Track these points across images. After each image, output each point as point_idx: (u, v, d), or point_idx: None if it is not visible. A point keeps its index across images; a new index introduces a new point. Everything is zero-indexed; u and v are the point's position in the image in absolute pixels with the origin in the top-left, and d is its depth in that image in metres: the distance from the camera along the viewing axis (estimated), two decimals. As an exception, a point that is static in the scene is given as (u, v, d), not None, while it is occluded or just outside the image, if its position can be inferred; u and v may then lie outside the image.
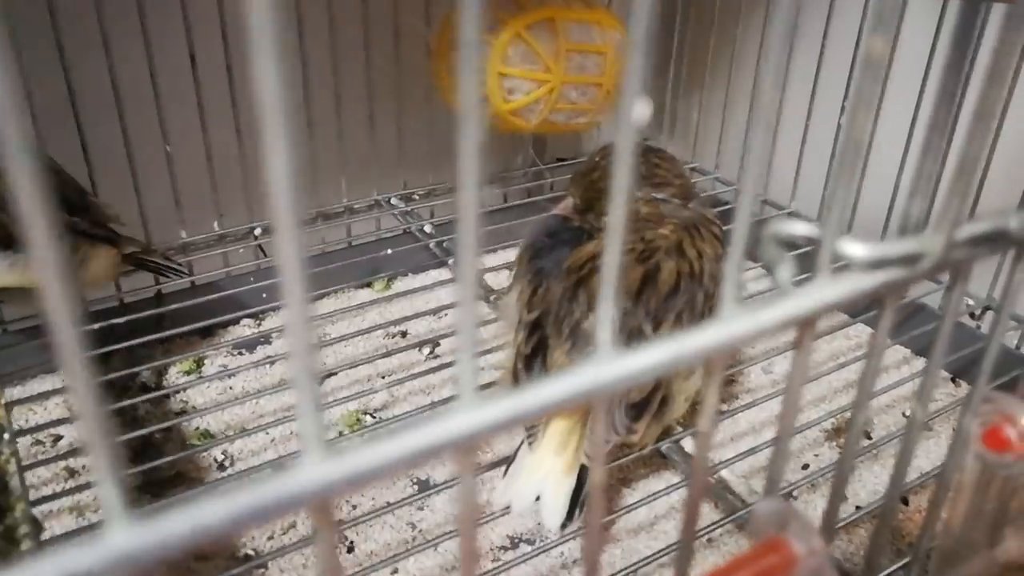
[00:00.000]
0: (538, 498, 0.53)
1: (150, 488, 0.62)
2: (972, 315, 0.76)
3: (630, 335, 0.54)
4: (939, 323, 0.26)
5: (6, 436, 0.49)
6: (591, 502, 0.21)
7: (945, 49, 0.20)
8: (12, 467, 0.48)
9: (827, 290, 0.18)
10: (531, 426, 0.55)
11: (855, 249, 0.19)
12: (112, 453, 0.14)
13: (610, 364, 0.17)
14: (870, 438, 0.69)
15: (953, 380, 0.77)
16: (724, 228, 0.64)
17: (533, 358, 0.55)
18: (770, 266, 0.18)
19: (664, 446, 0.62)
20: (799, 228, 0.19)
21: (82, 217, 0.63)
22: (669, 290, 0.54)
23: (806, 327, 0.19)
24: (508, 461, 0.57)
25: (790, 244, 0.19)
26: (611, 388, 0.17)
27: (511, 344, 0.58)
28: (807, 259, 0.20)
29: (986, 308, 0.76)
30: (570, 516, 0.53)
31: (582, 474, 0.54)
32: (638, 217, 0.60)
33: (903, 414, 0.73)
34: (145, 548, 0.13)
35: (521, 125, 0.80)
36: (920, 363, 0.79)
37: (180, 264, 0.71)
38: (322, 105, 0.79)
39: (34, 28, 0.65)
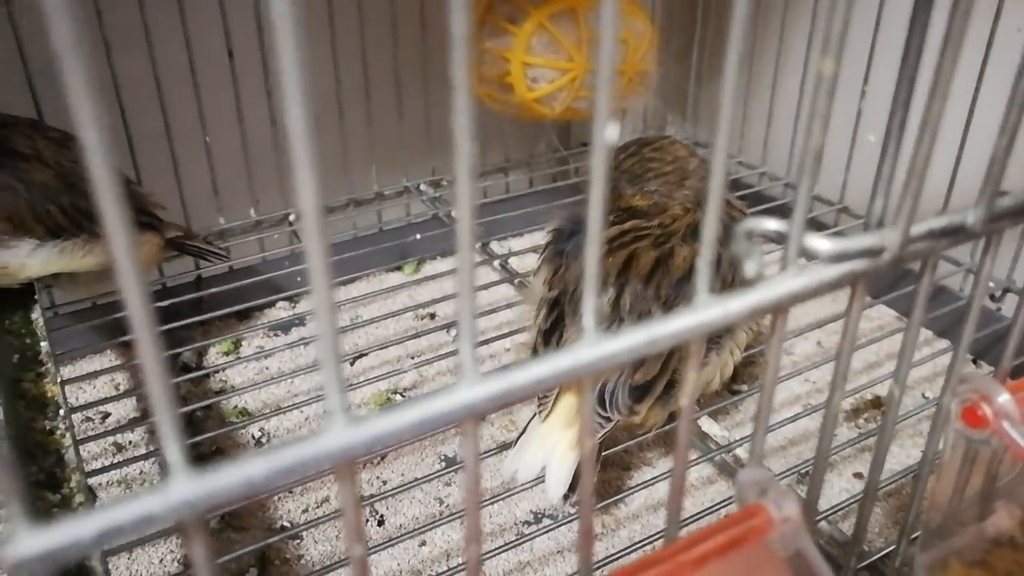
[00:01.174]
0: (544, 469, 0.56)
1: (193, 463, 0.66)
2: (992, 296, 0.77)
3: (639, 317, 0.56)
4: (962, 305, 0.28)
5: (61, 412, 0.53)
6: (583, 472, 0.23)
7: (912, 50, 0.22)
8: (67, 441, 0.51)
9: (793, 281, 0.21)
10: (542, 400, 0.57)
11: (819, 244, 0.21)
12: (175, 416, 0.16)
13: (593, 347, 0.20)
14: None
15: (974, 361, 0.78)
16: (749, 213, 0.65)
17: (551, 334, 0.57)
18: (741, 259, 0.20)
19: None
20: (770, 224, 0.21)
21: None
22: (682, 275, 0.56)
23: (778, 314, 0.21)
24: (519, 433, 0.59)
25: (765, 238, 0.21)
26: (594, 368, 0.20)
27: (534, 322, 0.61)
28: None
29: (1006, 290, 0.77)
30: (572, 489, 0.55)
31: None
32: (636, 212, 0.63)
33: (923, 395, 0.74)
34: (201, 497, 0.16)
35: (545, 113, 0.82)
36: (941, 344, 0.80)
37: (220, 248, 0.75)
38: (352, 94, 0.82)
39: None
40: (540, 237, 0.90)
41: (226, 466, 0.17)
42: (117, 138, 0.71)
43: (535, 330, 0.60)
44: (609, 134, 0.17)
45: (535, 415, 0.58)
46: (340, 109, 0.81)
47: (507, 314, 0.81)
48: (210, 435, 0.66)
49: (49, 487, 0.48)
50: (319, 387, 0.75)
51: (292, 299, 0.85)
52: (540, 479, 0.56)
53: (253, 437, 0.70)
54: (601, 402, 0.55)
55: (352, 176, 0.86)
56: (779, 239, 0.21)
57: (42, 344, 0.59)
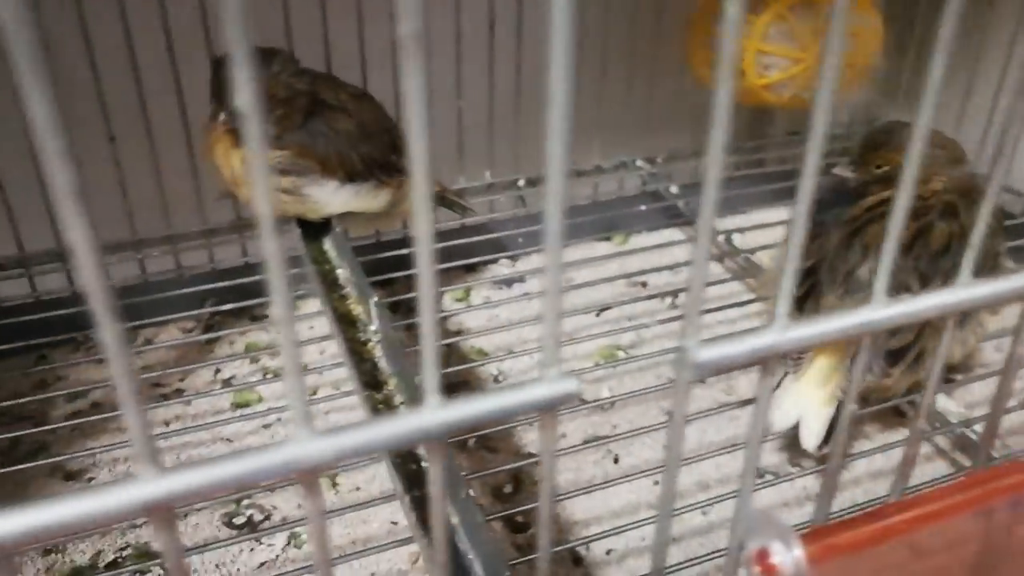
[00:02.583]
0: (798, 422, 0.61)
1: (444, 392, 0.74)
2: None
3: (896, 289, 0.60)
4: None
5: (371, 328, 0.61)
6: (840, 426, 0.28)
7: None
8: (378, 352, 0.59)
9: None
10: (797, 360, 0.62)
11: None
12: (436, 350, 0.21)
13: (883, 308, 0.24)
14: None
15: None
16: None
17: (804, 301, 0.62)
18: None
19: (918, 397, 0.67)
20: None
21: (403, 157, 0.75)
22: (939, 249, 0.60)
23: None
24: (772, 388, 0.64)
25: None
26: (880, 327, 0.24)
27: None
28: None
29: None
30: (826, 441, 0.60)
31: (839, 408, 0.60)
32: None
33: None
34: (451, 421, 0.22)
35: (771, 99, 0.86)
36: None
37: (469, 204, 0.82)
38: (589, 72, 0.88)
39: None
40: (763, 216, 0.95)
41: (466, 398, 0.22)
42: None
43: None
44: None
45: (786, 373, 0.63)
46: (577, 84, 0.87)
47: (716, 290, 0.85)
48: (456, 368, 0.74)
49: (373, 387, 0.56)
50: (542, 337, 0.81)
51: (513, 258, 0.92)
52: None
53: (491, 375, 0.77)
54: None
55: (576, 148, 0.92)
56: None
57: (339, 271, 0.67)
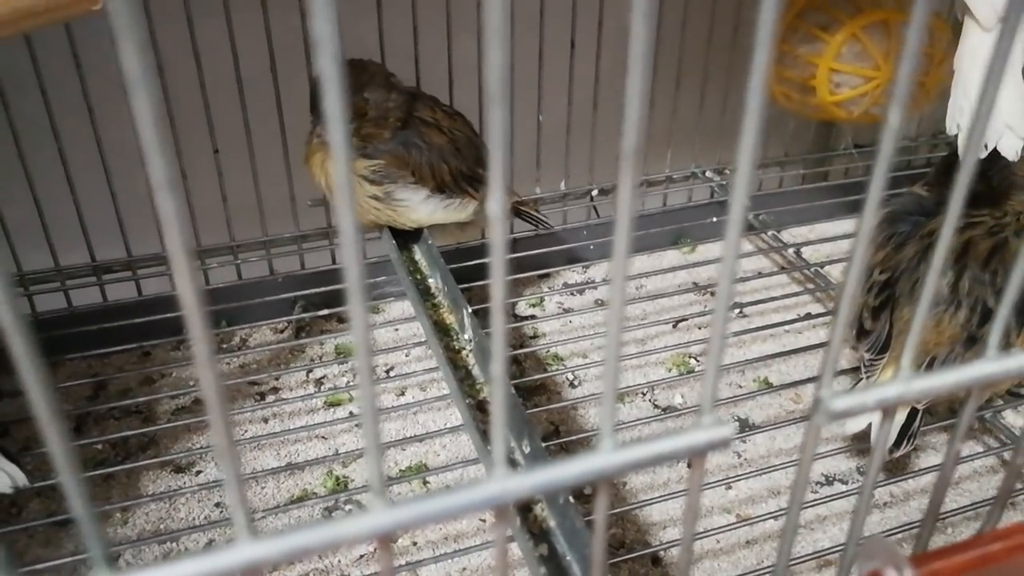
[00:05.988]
0: (870, 425, 0.63)
1: (520, 393, 0.77)
2: None
3: (976, 303, 0.62)
4: None
5: (464, 336, 0.65)
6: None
7: None
8: (471, 360, 0.63)
9: None
10: (870, 366, 0.65)
11: None
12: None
13: (995, 363, 0.27)
14: None
15: None
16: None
17: (880, 311, 0.65)
18: None
19: (987, 414, 0.70)
20: None
21: (487, 170, 0.78)
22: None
23: None
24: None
25: None
26: (995, 380, 0.27)
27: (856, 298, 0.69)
28: None
29: None
30: (897, 445, 0.62)
31: (912, 413, 0.63)
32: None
33: None
34: (623, 464, 0.25)
35: (841, 116, 0.88)
36: None
37: (543, 215, 0.85)
38: (664, 85, 0.91)
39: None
40: (828, 228, 0.97)
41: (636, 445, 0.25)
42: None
43: (857, 307, 0.67)
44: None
45: (860, 379, 0.65)
46: (652, 97, 0.90)
47: (785, 301, 0.88)
48: (534, 377, 0.77)
49: (469, 394, 0.59)
50: (622, 343, 0.85)
51: (585, 266, 0.95)
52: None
53: (567, 379, 0.80)
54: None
55: (649, 158, 0.95)
56: None
57: (430, 280, 0.71)
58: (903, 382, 0.27)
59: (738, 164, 0.23)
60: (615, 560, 0.60)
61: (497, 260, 0.21)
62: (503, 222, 0.21)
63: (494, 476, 0.24)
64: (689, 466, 0.25)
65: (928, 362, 0.62)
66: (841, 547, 0.61)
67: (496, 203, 0.20)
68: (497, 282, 0.22)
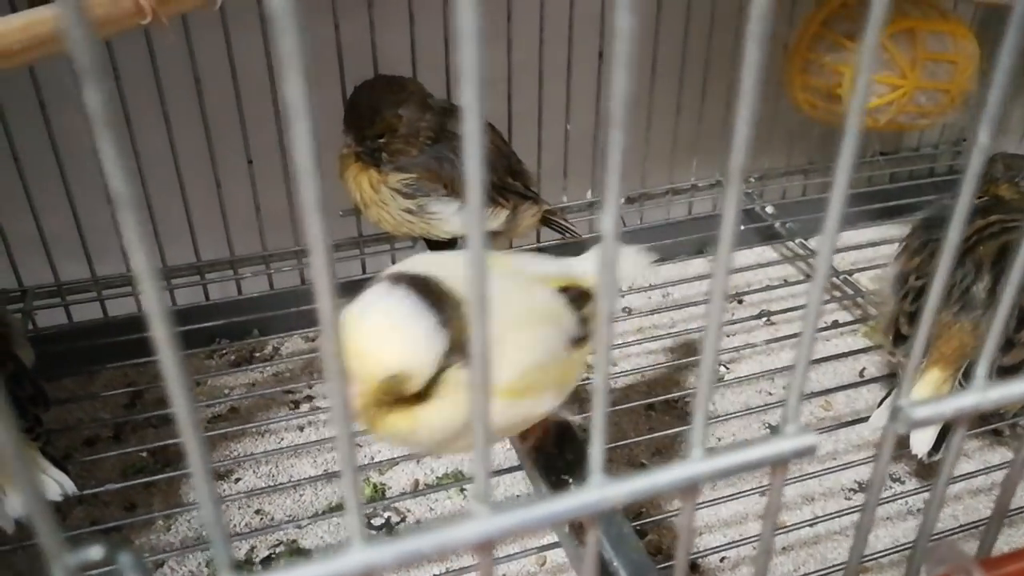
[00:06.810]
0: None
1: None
2: None
3: (988, 298, 0.63)
4: None
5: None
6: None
7: None
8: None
9: None
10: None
11: None
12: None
13: None
14: None
15: None
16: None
17: (917, 316, 0.65)
18: None
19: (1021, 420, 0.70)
20: None
21: (516, 180, 0.79)
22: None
23: None
24: (884, 396, 0.68)
25: None
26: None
27: (892, 304, 0.69)
28: None
29: None
30: (936, 449, 0.62)
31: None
32: (999, 202, 0.71)
33: None
34: (711, 472, 0.25)
35: (867, 124, 0.89)
36: None
37: (571, 224, 0.86)
38: (690, 94, 0.91)
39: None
40: (854, 237, 0.97)
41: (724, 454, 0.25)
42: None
43: (896, 312, 0.68)
44: None
45: (896, 385, 0.66)
46: (678, 106, 0.91)
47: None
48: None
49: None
50: (646, 352, 0.85)
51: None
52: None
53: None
54: (967, 378, 0.62)
55: (676, 166, 0.95)
56: None
57: (465, 290, 0.72)
58: (979, 391, 0.28)
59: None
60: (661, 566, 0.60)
61: (607, 274, 0.22)
62: (613, 239, 0.21)
63: (593, 483, 0.24)
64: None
65: (966, 364, 0.62)
66: (895, 550, 0.62)
67: (610, 221, 0.21)
68: (606, 293, 0.22)
